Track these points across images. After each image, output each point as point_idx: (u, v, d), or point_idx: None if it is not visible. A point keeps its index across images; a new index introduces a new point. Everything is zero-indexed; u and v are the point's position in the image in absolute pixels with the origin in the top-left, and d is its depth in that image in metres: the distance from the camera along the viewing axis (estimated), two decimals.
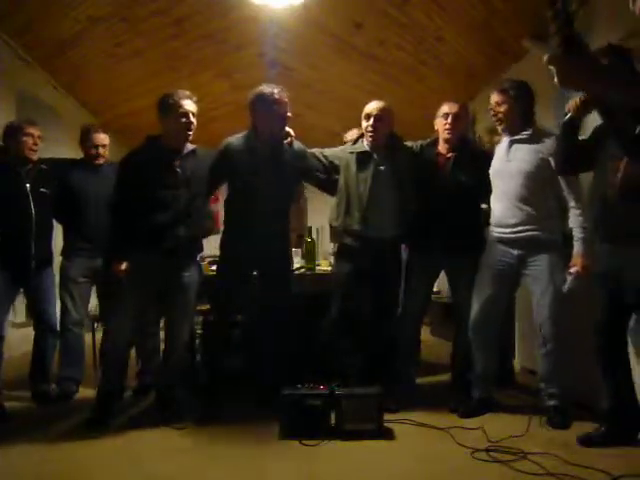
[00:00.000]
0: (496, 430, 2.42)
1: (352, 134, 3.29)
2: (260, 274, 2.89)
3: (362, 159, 2.84)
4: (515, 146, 2.65)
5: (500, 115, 2.66)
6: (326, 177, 2.93)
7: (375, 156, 2.84)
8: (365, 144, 2.87)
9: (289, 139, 2.84)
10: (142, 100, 5.43)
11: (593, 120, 2.28)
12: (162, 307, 2.79)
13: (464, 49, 4.54)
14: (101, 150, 3.14)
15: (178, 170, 2.61)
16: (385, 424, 2.48)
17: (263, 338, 2.88)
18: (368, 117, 2.81)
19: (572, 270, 2.49)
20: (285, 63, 5.22)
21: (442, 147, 2.89)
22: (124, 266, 2.63)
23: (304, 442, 2.35)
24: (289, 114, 2.74)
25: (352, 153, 2.87)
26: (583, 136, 2.37)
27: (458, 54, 4.62)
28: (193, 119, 2.62)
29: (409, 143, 2.99)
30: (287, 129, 2.83)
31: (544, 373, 2.64)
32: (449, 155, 2.85)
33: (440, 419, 2.61)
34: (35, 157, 2.92)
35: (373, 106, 2.83)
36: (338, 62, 5.11)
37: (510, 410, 2.75)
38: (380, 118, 2.79)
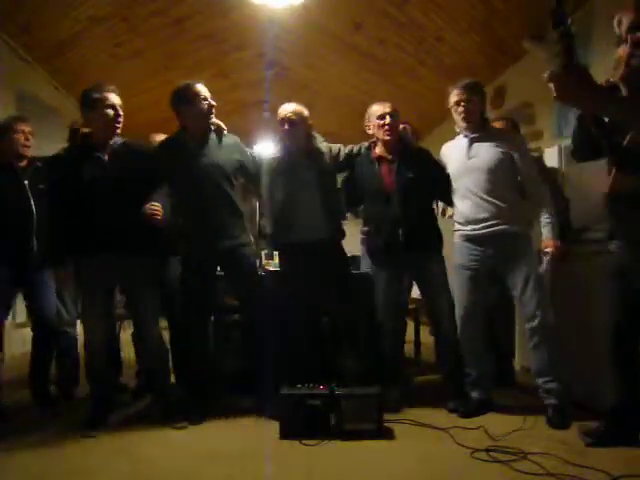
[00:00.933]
0: (496, 430, 2.42)
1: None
2: (224, 272, 2.84)
3: (277, 165, 2.83)
4: (476, 144, 2.68)
5: (469, 111, 2.66)
6: (255, 176, 2.90)
7: (290, 161, 2.81)
8: (279, 149, 2.87)
9: (224, 132, 2.79)
10: (142, 99, 5.43)
11: None
12: (127, 307, 2.78)
13: (464, 49, 4.54)
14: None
15: (105, 159, 2.57)
16: (385, 424, 2.48)
17: (262, 338, 2.87)
18: (283, 120, 2.79)
19: (547, 250, 2.59)
20: (284, 63, 5.22)
21: (381, 150, 2.86)
22: (65, 271, 2.65)
23: (304, 442, 2.35)
24: (212, 104, 2.69)
25: (271, 157, 2.87)
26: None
27: (458, 54, 4.62)
28: (120, 111, 2.60)
29: (335, 146, 2.94)
30: (217, 122, 2.78)
31: (537, 367, 2.62)
32: (391, 157, 2.83)
33: (440, 419, 2.61)
34: (29, 153, 2.91)
35: (288, 109, 2.79)
36: (337, 62, 5.12)
37: (510, 410, 2.74)
38: (294, 122, 2.77)
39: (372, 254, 2.96)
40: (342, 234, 2.93)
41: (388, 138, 2.80)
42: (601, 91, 1.72)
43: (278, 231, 2.85)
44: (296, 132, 2.80)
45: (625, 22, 2.02)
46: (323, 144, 2.92)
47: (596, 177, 2.90)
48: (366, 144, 2.95)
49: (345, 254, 3.00)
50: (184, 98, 2.65)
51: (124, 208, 2.57)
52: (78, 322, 3.21)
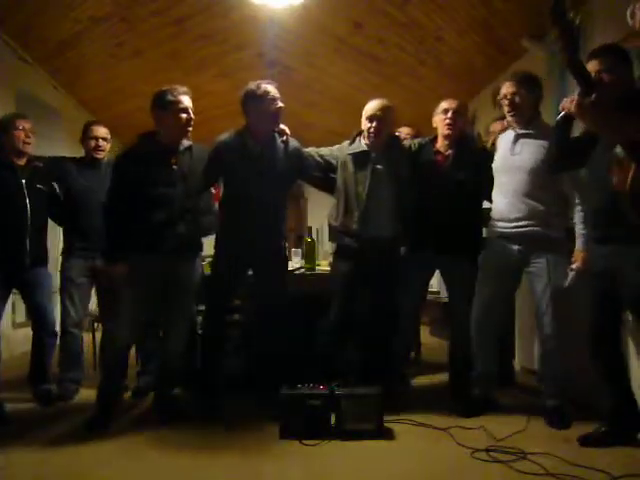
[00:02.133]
0: (496, 430, 2.42)
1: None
2: (255, 273, 2.86)
3: (360, 158, 2.82)
4: (521, 140, 2.62)
5: (515, 106, 2.61)
6: (322, 176, 2.91)
7: (373, 155, 2.81)
8: (363, 143, 2.84)
9: (284, 137, 2.81)
10: (142, 100, 5.40)
11: None
12: (161, 307, 2.77)
13: (464, 49, 4.54)
14: (101, 142, 3.12)
15: (175, 167, 2.59)
16: (385, 424, 2.47)
17: (262, 338, 2.88)
18: (371, 119, 2.77)
19: (574, 266, 2.51)
20: (285, 63, 5.22)
21: (441, 144, 2.88)
22: (123, 267, 2.60)
23: (304, 442, 2.35)
24: (281, 106, 2.67)
25: (350, 153, 2.84)
26: (576, 134, 2.38)
27: (458, 54, 4.62)
28: (192, 115, 2.60)
29: (407, 142, 2.98)
30: (282, 127, 2.80)
31: (543, 372, 2.64)
32: (448, 152, 2.84)
33: (440, 419, 2.61)
34: (30, 150, 2.90)
35: (374, 106, 2.78)
36: (338, 62, 5.12)
37: (510, 410, 2.75)
38: (382, 119, 2.76)
39: (409, 242, 2.94)
40: (405, 233, 2.91)
41: (447, 132, 2.81)
42: (616, 116, 1.83)
43: (350, 223, 2.80)
44: (383, 129, 2.79)
45: (639, 14, 2.03)
46: (405, 141, 2.96)
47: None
48: (431, 137, 2.95)
49: (400, 255, 2.98)
50: (158, 103, 2.60)
51: (187, 210, 2.60)
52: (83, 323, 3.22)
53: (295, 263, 3.42)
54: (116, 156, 2.71)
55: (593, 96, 2.01)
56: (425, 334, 4.07)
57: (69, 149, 4.10)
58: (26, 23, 3.95)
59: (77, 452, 2.29)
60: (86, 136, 3.15)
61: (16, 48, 4.16)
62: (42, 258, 2.99)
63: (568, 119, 2.25)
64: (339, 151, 2.91)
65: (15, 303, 3.08)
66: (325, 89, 5.80)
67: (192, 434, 2.51)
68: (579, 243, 2.54)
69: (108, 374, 2.66)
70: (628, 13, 2.10)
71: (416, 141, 2.98)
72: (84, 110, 5.56)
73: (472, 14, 4.00)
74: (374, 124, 2.76)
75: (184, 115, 2.56)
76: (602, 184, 2.12)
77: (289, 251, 3.25)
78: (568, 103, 2.18)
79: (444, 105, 2.84)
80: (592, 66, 2.14)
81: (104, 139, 3.15)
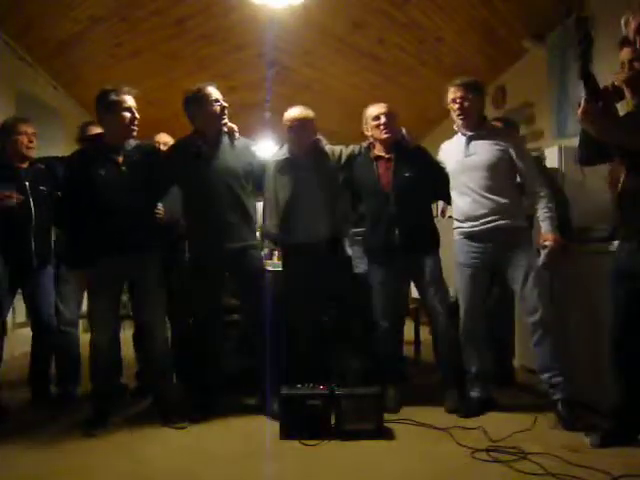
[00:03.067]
0: (496, 430, 2.42)
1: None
2: (231, 274, 2.84)
3: (283, 166, 2.85)
4: (474, 142, 2.70)
5: (465, 108, 2.67)
6: (260, 176, 2.91)
7: (296, 162, 2.83)
8: (286, 151, 2.87)
9: (235, 135, 2.80)
10: (142, 100, 5.43)
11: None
12: (134, 307, 2.78)
13: (464, 49, 4.54)
14: None
15: (122, 168, 2.57)
16: (385, 424, 2.48)
17: (258, 338, 2.87)
18: (290, 129, 2.82)
19: (546, 243, 2.54)
20: (285, 63, 5.22)
21: (379, 150, 2.87)
22: (81, 273, 2.65)
23: (304, 442, 2.35)
24: (224, 105, 2.70)
25: (274, 159, 2.88)
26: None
27: (458, 54, 4.62)
28: (137, 114, 2.61)
29: (337, 148, 2.96)
30: (230, 125, 2.79)
31: (541, 362, 2.61)
32: (389, 156, 2.84)
33: (440, 419, 2.60)
34: (32, 154, 2.91)
35: (291, 116, 2.82)
36: (338, 62, 5.12)
37: (510, 409, 2.75)
38: (300, 127, 2.80)
39: (369, 253, 2.96)
40: (343, 235, 2.95)
41: (385, 137, 2.81)
42: (613, 121, 1.89)
43: (283, 231, 2.86)
44: (302, 136, 2.82)
45: (634, 23, 2.06)
46: (327, 147, 2.94)
47: (596, 177, 2.92)
48: (365, 144, 2.96)
49: (347, 255, 3.00)
50: (195, 100, 2.66)
51: (137, 210, 2.60)
52: (79, 322, 3.22)
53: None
54: (65, 159, 2.72)
55: (600, 104, 2.06)
56: (425, 334, 4.06)
57: (69, 149, 4.08)
58: (26, 23, 3.95)
59: (76, 452, 2.29)
60: (82, 136, 3.15)
61: (16, 48, 4.16)
62: (47, 259, 3.00)
63: None
64: (271, 158, 2.95)
65: (15, 303, 3.07)
66: (325, 89, 5.80)
67: (191, 434, 2.51)
68: (545, 225, 2.57)
69: (96, 377, 2.65)
70: (623, 22, 2.11)
71: (348, 149, 2.96)
72: (84, 110, 5.55)
73: (472, 14, 4.01)
74: (293, 134, 2.80)
75: (128, 114, 2.57)
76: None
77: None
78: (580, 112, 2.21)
79: (373, 111, 2.85)
80: (625, 54, 2.15)
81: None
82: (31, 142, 2.89)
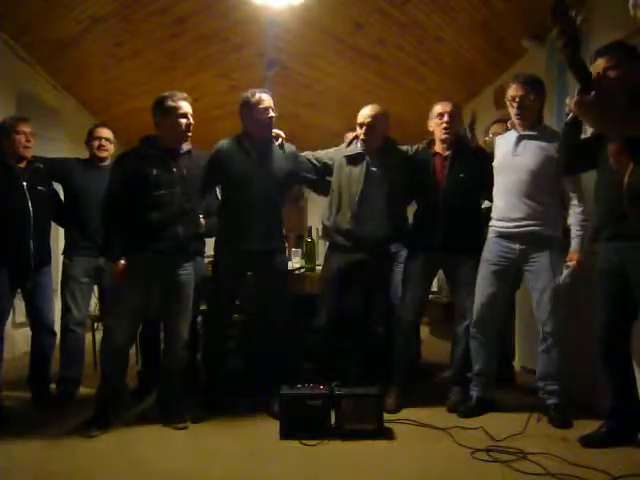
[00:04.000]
0: (496, 430, 2.42)
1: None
2: (255, 274, 2.89)
3: (355, 160, 2.88)
4: (524, 142, 2.65)
5: (525, 107, 2.61)
6: (317, 178, 2.98)
7: (368, 158, 2.86)
8: (359, 146, 2.90)
9: (280, 140, 2.88)
10: (142, 100, 5.40)
11: None
12: (160, 308, 2.78)
13: (464, 49, 4.54)
14: (104, 142, 3.16)
15: (174, 170, 2.62)
16: (385, 424, 2.48)
17: (262, 338, 2.89)
18: (361, 125, 2.84)
19: (569, 264, 2.53)
20: (285, 63, 5.22)
21: (439, 147, 2.89)
22: (121, 265, 2.61)
23: (304, 442, 2.35)
24: (272, 116, 2.75)
25: (345, 155, 2.91)
26: (585, 135, 2.39)
27: (458, 54, 4.62)
28: (192, 120, 2.65)
29: (404, 147, 3.00)
30: (277, 131, 2.87)
31: (543, 370, 2.63)
32: (446, 154, 2.85)
33: (440, 419, 2.61)
34: (29, 154, 2.91)
35: (366, 113, 2.84)
36: (338, 62, 5.11)
37: (510, 410, 2.75)
38: (372, 126, 2.81)
39: (410, 246, 2.98)
40: (401, 234, 2.99)
41: (444, 136, 2.82)
42: (618, 112, 1.84)
43: (342, 222, 2.87)
44: (373, 133, 2.84)
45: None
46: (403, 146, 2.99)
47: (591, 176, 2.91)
48: (426, 141, 2.98)
49: (391, 255, 3.06)
50: (246, 105, 2.74)
51: (186, 212, 2.64)
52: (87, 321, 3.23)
53: (295, 263, 3.43)
54: (117, 156, 2.72)
55: (592, 93, 2.02)
56: (425, 334, 4.06)
57: (69, 149, 4.10)
58: (26, 23, 3.95)
59: (77, 452, 2.29)
60: (90, 137, 3.19)
61: (16, 48, 4.16)
62: (46, 259, 3.01)
63: (576, 120, 2.26)
64: (336, 153, 2.97)
65: (15, 303, 3.07)
66: (325, 89, 5.79)
67: (192, 434, 2.51)
68: (574, 244, 2.56)
69: (107, 375, 2.65)
70: (630, 3, 2.09)
71: (414, 146, 3.00)
72: (84, 110, 5.56)
73: (472, 14, 4.00)
74: (364, 130, 2.83)
75: (184, 120, 2.61)
76: (611, 182, 2.13)
77: (289, 251, 3.27)
78: (573, 104, 2.18)
79: (439, 109, 2.85)
80: (599, 64, 2.14)
81: (107, 139, 3.19)
82: (29, 142, 2.89)
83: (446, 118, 2.81)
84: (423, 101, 5.41)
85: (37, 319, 2.98)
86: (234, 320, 3.25)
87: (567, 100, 2.27)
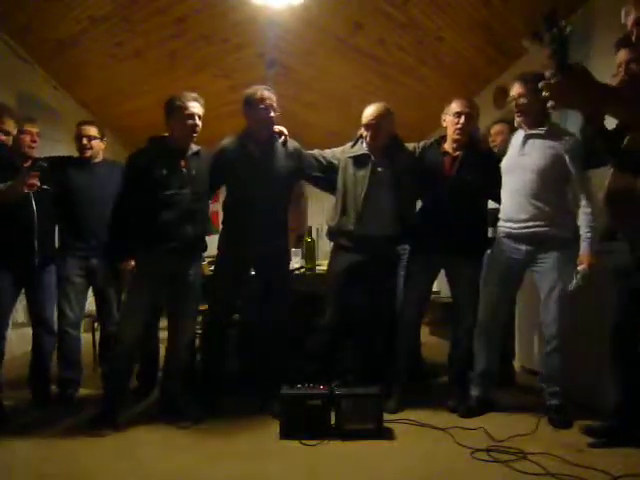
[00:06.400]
0: (496, 430, 2.42)
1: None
2: (258, 274, 2.90)
3: (360, 160, 2.85)
4: (531, 141, 2.62)
5: (522, 107, 2.59)
6: (323, 176, 2.95)
7: (373, 158, 2.83)
8: (364, 146, 2.87)
9: (282, 138, 2.86)
10: (142, 100, 5.44)
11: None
12: (167, 306, 2.78)
13: (464, 49, 4.54)
14: (84, 141, 3.08)
15: (183, 170, 2.63)
16: (385, 424, 2.48)
17: (263, 338, 2.89)
18: (366, 127, 2.80)
19: (580, 268, 2.47)
20: (285, 63, 5.22)
21: (449, 146, 2.85)
22: (130, 265, 2.63)
23: (304, 442, 2.35)
24: (275, 114, 2.74)
25: (351, 155, 2.87)
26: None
27: (458, 54, 4.62)
28: (199, 121, 2.64)
29: (410, 145, 2.98)
30: (280, 128, 2.85)
31: (547, 371, 2.63)
32: (456, 154, 2.82)
33: (440, 419, 2.61)
34: (34, 153, 2.92)
35: (370, 114, 2.80)
36: (338, 62, 5.12)
37: (510, 410, 2.75)
38: (377, 127, 2.78)
39: (414, 242, 2.95)
40: (407, 232, 2.94)
41: (457, 137, 2.79)
42: (598, 88, 1.76)
43: (347, 223, 2.84)
44: (378, 133, 2.81)
45: (633, 14, 2.01)
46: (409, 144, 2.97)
47: (596, 177, 2.91)
48: (437, 138, 2.94)
49: (396, 255, 3.03)
50: (249, 103, 2.73)
51: (193, 210, 2.65)
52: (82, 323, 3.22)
53: (295, 263, 3.43)
54: (128, 156, 2.73)
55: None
56: (425, 334, 4.06)
57: (69, 149, 4.08)
58: (26, 23, 3.95)
59: (77, 452, 2.29)
60: (76, 137, 3.14)
61: (16, 48, 4.16)
62: (50, 258, 3.00)
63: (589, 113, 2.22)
64: (341, 153, 2.94)
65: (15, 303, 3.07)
66: (325, 89, 5.80)
67: (192, 434, 2.51)
68: (583, 247, 2.49)
69: (115, 373, 2.65)
70: (623, 12, 2.08)
71: (420, 143, 2.97)
72: (84, 110, 5.56)
73: (472, 14, 4.00)
74: (369, 133, 2.80)
75: (190, 121, 2.60)
76: None
77: (289, 251, 3.26)
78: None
79: (456, 107, 2.79)
80: (622, 55, 2.12)
81: (90, 138, 3.10)
82: (34, 142, 2.90)
83: (462, 120, 2.76)
84: (423, 101, 5.43)
85: (38, 318, 2.97)
86: (234, 320, 3.25)
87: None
